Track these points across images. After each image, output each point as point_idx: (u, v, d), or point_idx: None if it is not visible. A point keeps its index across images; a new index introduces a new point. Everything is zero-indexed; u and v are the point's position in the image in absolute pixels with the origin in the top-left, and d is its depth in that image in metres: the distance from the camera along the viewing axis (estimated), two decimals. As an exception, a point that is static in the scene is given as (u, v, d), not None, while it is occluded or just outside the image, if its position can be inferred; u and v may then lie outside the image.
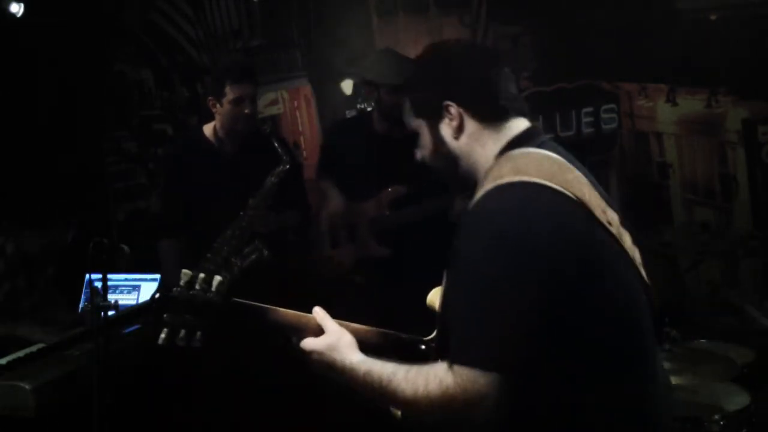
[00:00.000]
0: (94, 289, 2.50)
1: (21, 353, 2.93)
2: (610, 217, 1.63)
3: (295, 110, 5.04)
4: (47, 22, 4.67)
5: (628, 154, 4.40)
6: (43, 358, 2.89)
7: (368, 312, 3.58)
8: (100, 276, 2.52)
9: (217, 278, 1.76)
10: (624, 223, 1.68)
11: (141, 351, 2.98)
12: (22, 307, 3.52)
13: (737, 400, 2.85)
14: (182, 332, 1.73)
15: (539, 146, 1.65)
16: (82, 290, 3.81)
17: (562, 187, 1.56)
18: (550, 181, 1.56)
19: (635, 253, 1.69)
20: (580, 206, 1.56)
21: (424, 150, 1.77)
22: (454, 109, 1.69)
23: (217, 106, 3.51)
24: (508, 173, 1.58)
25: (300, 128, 5.05)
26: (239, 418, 3.34)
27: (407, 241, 3.64)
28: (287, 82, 5.02)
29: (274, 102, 5.02)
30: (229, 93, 3.45)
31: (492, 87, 1.71)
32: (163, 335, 1.74)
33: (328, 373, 1.71)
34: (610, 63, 4.28)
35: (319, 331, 1.75)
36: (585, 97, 4.38)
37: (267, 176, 3.49)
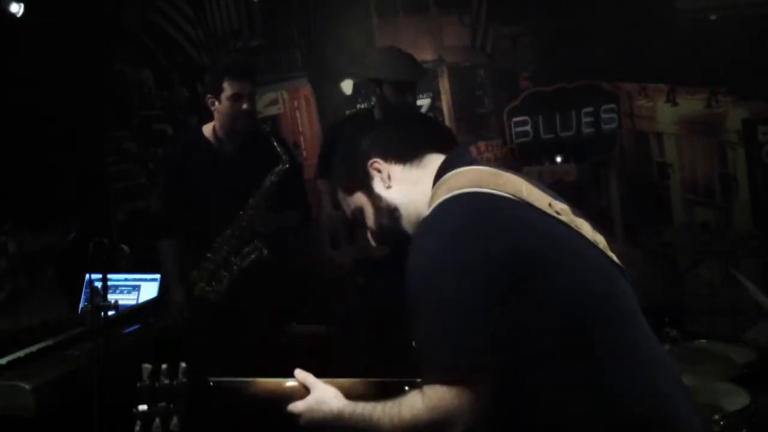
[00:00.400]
0: (94, 289, 2.49)
1: (21, 353, 2.93)
2: (558, 208, 1.66)
3: (295, 110, 5.04)
4: (47, 22, 4.67)
5: (628, 154, 4.40)
6: (43, 358, 2.89)
7: (368, 312, 3.61)
8: (100, 276, 2.52)
9: (182, 365, 1.76)
10: (576, 213, 1.70)
11: (141, 351, 2.98)
12: (23, 305, 3.52)
13: (737, 400, 2.85)
14: (157, 421, 1.73)
15: (468, 164, 1.73)
16: (82, 290, 3.81)
17: (494, 189, 1.61)
18: (484, 187, 1.61)
19: (597, 238, 1.70)
20: (517, 202, 1.61)
21: (369, 220, 1.84)
22: (378, 164, 1.80)
23: (216, 103, 3.51)
24: (443, 194, 1.65)
25: (300, 128, 5.05)
26: (239, 417, 3.34)
27: (408, 241, 3.64)
28: (287, 82, 5.02)
29: (274, 102, 5.03)
30: (227, 89, 3.45)
31: (402, 131, 1.87)
32: (137, 428, 1.74)
33: (321, 428, 1.74)
34: (610, 63, 4.28)
35: (304, 392, 1.78)
36: (585, 97, 4.38)
37: (266, 176, 3.49)
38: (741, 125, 4.09)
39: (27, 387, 2.56)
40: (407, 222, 1.79)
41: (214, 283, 3.48)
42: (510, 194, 1.61)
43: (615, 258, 1.71)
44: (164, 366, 1.75)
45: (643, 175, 4.37)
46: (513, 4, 4.51)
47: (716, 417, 2.72)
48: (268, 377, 1.83)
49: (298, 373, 1.82)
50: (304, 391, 1.78)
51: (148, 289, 4.12)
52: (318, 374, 1.80)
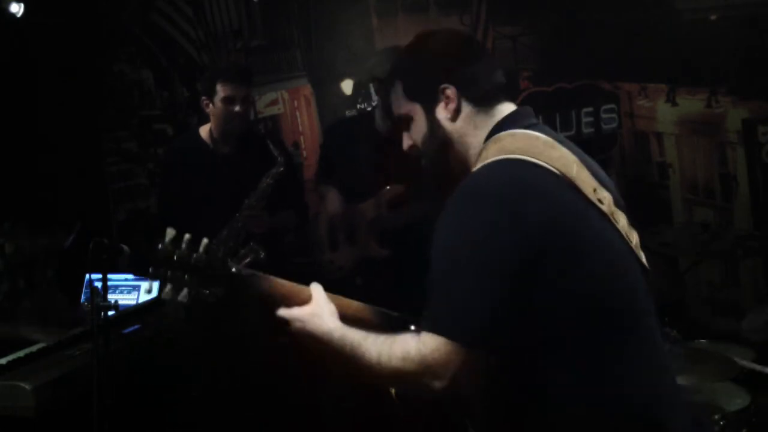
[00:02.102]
0: (94, 289, 2.49)
1: (21, 353, 2.93)
2: (601, 195, 1.63)
3: (295, 110, 5.04)
4: (47, 22, 4.67)
5: (628, 154, 4.40)
6: (43, 358, 2.89)
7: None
8: (100, 276, 2.52)
9: (204, 240, 1.74)
10: (619, 204, 1.68)
11: (141, 351, 2.98)
12: (22, 307, 3.52)
13: (737, 400, 2.86)
14: (168, 287, 1.71)
15: (527, 128, 1.68)
16: (81, 290, 3.81)
17: (546, 162, 1.58)
18: (534, 158, 1.58)
19: (632, 235, 1.68)
20: (564, 181, 1.58)
21: (416, 135, 1.77)
22: (451, 92, 1.71)
23: (210, 106, 3.52)
24: (492, 154, 1.61)
25: (300, 128, 5.05)
26: (239, 417, 3.34)
27: (408, 241, 3.63)
28: (287, 82, 5.02)
29: (274, 102, 5.03)
30: (220, 92, 3.46)
31: (484, 72, 1.75)
32: (148, 287, 1.72)
33: (308, 342, 1.70)
34: (610, 63, 4.28)
35: (308, 302, 1.75)
36: (585, 97, 4.38)
37: (262, 177, 3.49)
38: (741, 125, 4.09)
39: (27, 387, 2.56)
40: (454, 157, 1.74)
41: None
42: (559, 170, 1.58)
43: (643, 258, 1.69)
44: (187, 236, 1.73)
45: (643, 175, 4.37)
46: (513, 4, 4.51)
47: (716, 417, 2.72)
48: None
49: (313, 283, 1.79)
50: (310, 299, 1.75)
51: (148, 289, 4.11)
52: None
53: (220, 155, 3.59)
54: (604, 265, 1.56)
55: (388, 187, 3.70)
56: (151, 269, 1.70)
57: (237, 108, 3.46)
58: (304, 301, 1.74)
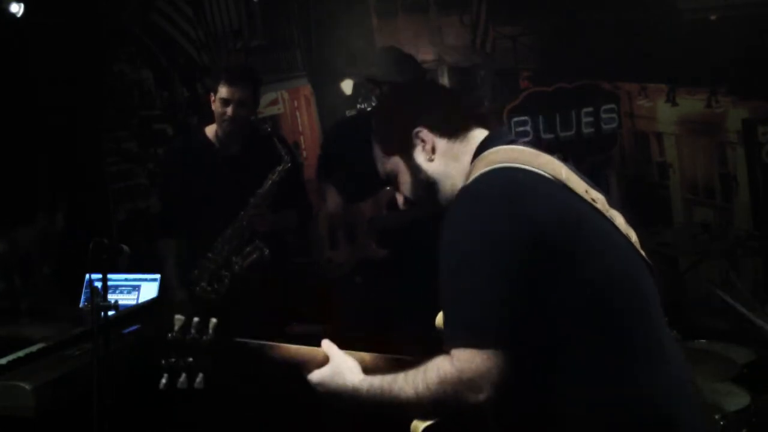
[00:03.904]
0: (94, 289, 2.49)
1: (21, 353, 2.93)
2: (594, 196, 1.66)
3: (295, 110, 5.04)
4: (47, 22, 4.67)
5: (628, 154, 4.40)
6: (43, 358, 2.89)
7: (368, 313, 3.61)
8: (100, 276, 2.52)
9: (213, 321, 1.74)
10: (612, 204, 1.70)
11: (141, 351, 2.98)
12: (20, 305, 3.52)
13: (737, 400, 2.86)
14: (183, 376, 1.72)
15: (508, 143, 1.72)
16: (81, 289, 3.81)
17: (535, 168, 1.61)
18: (523, 164, 1.61)
19: (630, 233, 1.70)
20: (556, 183, 1.60)
21: (404, 187, 1.83)
22: (424, 134, 1.77)
23: (213, 103, 3.53)
24: (482, 168, 1.64)
25: (300, 128, 5.05)
26: (239, 418, 3.34)
27: (407, 241, 3.63)
28: (287, 82, 5.02)
29: (274, 102, 5.03)
30: (220, 91, 3.47)
31: (451, 104, 1.84)
32: (163, 380, 1.73)
33: (337, 401, 1.73)
34: (610, 63, 4.28)
35: (325, 362, 1.77)
36: (585, 97, 4.38)
37: (267, 176, 3.49)
38: (741, 125, 4.09)
39: (27, 387, 2.56)
40: (443, 196, 1.77)
41: (215, 282, 3.49)
42: (550, 174, 1.61)
43: (644, 254, 1.70)
44: (195, 319, 1.74)
45: (643, 175, 4.38)
46: (513, 4, 4.51)
47: (716, 417, 2.72)
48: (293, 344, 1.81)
49: (324, 343, 1.81)
50: (327, 360, 1.77)
51: (148, 289, 4.12)
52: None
53: (225, 154, 3.59)
54: (610, 262, 1.57)
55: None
56: (163, 361, 1.72)
57: (228, 111, 3.46)
58: (321, 361, 1.77)
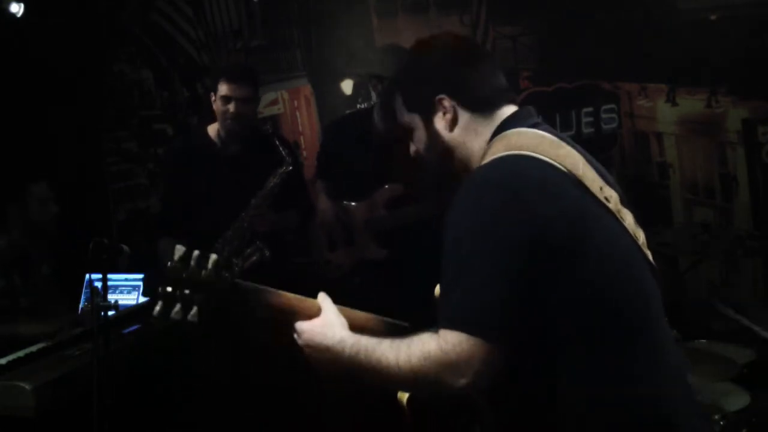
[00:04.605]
0: (94, 289, 2.49)
1: (21, 353, 2.93)
2: (607, 194, 1.63)
3: (295, 110, 5.04)
4: (47, 22, 4.67)
5: (628, 154, 4.40)
6: (43, 358, 2.89)
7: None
8: (100, 276, 2.52)
9: (213, 256, 1.73)
10: (624, 202, 1.69)
11: (141, 351, 2.98)
12: (20, 304, 3.52)
13: (737, 400, 2.86)
14: (177, 306, 1.69)
15: (532, 127, 1.68)
16: (81, 289, 3.81)
17: (552, 159, 1.58)
18: (541, 154, 1.58)
19: (638, 233, 1.68)
20: (571, 178, 1.58)
21: (418, 143, 1.79)
22: (447, 102, 1.72)
23: (214, 103, 3.53)
24: (499, 150, 1.61)
25: (300, 128, 5.05)
26: (239, 418, 3.34)
27: (406, 242, 3.63)
28: (287, 82, 5.02)
29: (274, 102, 5.02)
30: (220, 90, 3.47)
31: (482, 77, 1.75)
32: (158, 308, 1.69)
33: (319, 353, 1.69)
34: (610, 63, 4.28)
35: (317, 315, 1.74)
36: (585, 97, 4.38)
37: (269, 176, 3.49)
38: (741, 125, 4.09)
39: (27, 387, 2.56)
40: (457, 165, 1.74)
41: (214, 283, 3.48)
42: (566, 168, 1.58)
43: (650, 256, 1.69)
44: (196, 252, 1.72)
45: (643, 175, 4.37)
46: (513, 4, 4.51)
47: (716, 417, 2.72)
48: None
49: (321, 295, 1.78)
50: (319, 313, 1.74)
51: (148, 289, 4.11)
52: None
53: (226, 154, 3.59)
54: (613, 263, 1.56)
55: (386, 186, 3.70)
56: (160, 289, 1.69)
57: (231, 108, 3.46)
58: (314, 314, 1.74)
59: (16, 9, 4.34)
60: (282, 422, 3.38)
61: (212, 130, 3.62)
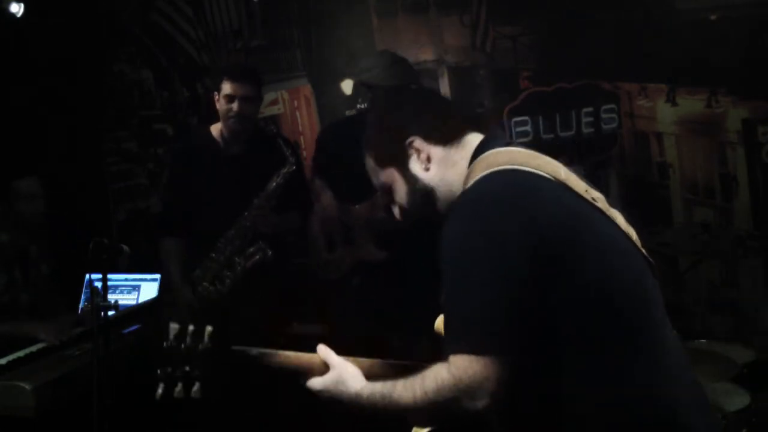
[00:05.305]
0: (94, 289, 2.50)
1: (21, 353, 2.94)
2: (594, 195, 1.65)
3: (295, 110, 5.04)
4: (47, 22, 4.66)
5: (628, 154, 4.40)
6: (43, 358, 2.89)
7: (366, 315, 3.61)
8: (100, 276, 2.52)
9: (209, 328, 1.73)
10: (612, 203, 1.70)
11: (141, 351, 2.98)
12: (20, 302, 3.52)
13: (737, 400, 2.86)
14: (179, 385, 1.71)
15: (505, 145, 1.71)
16: (81, 289, 3.81)
17: (534, 169, 1.60)
18: (522, 166, 1.60)
19: (630, 231, 1.69)
20: (557, 183, 1.60)
21: (400, 198, 1.81)
22: (418, 143, 1.74)
23: (218, 102, 3.53)
24: (481, 171, 1.63)
25: (300, 128, 5.05)
26: (239, 418, 3.34)
27: (406, 243, 3.63)
28: (287, 82, 5.02)
29: (274, 102, 5.02)
30: (224, 89, 3.47)
31: (443, 110, 1.81)
32: (159, 390, 1.71)
33: (338, 406, 1.73)
34: (610, 63, 4.28)
35: (324, 368, 1.77)
36: (585, 97, 4.38)
37: (271, 177, 3.49)
38: (741, 125, 4.09)
39: (27, 387, 2.56)
40: (441, 203, 1.76)
41: (217, 283, 3.49)
42: (549, 174, 1.60)
43: (646, 253, 1.70)
44: (191, 328, 1.72)
45: (643, 175, 4.37)
46: (513, 4, 4.51)
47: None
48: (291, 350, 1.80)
49: (321, 348, 1.80)
50: (326, 367, 1.76)
51: (148, 289, 4.12)
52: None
53: (229, 154, 3.59)
54: (611, 262, 1.56)
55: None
56: (159, 371, 1.70)
57: (235, 106, 3.46)
58: (317, 367, 1.77)
59: (16, 9, 4.34)
60: (282, 422, 3.38)
61: (215, 129, 3.63)
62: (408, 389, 1.58)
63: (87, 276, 3.68)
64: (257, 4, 4.97)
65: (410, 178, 1.77)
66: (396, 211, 1.84)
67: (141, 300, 3.99)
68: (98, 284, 2.51)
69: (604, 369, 1.52)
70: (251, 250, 3.48)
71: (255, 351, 1.77)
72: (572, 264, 1.51)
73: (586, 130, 4.38)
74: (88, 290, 3.69)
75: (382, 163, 1.81)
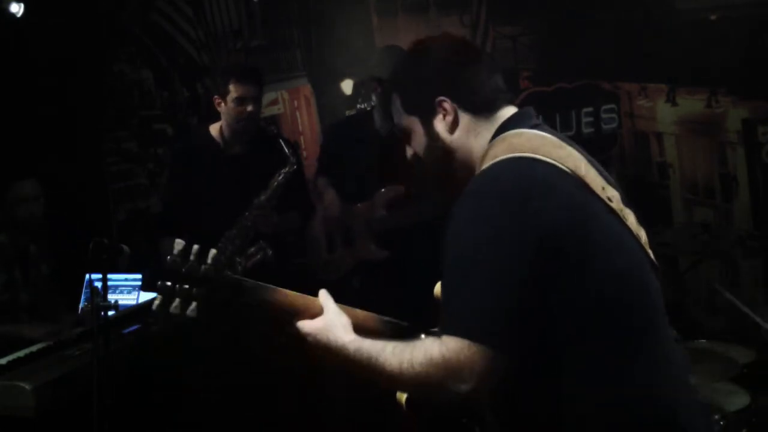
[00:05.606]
0: (94, 289, 2.49)
1: (21, 353, 2.93)
2: (610, 194, 1.63)
3: (295, 110, 5.04)
4: (47, 22, 4.66)
5: (628, 154, 4.40)
6: (43, 358, 2.89)
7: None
8: (100, 276, 2.52)
9: (213, 251, 1.71)
10: (626, 202, 1.69)
11: (141, 351, 2.98)
12: (20, 302, 3.52)
13: (737, 400, 2.86)
14: (176, 301, 1.67)
15: (532, 128, 1.67)
16: (81, 289, 3.80)
17: (554, 160, 1.57)
18: (543, 156, 1.57)
19: (641, 233, 1.68)
20: (574, 179, 1.58)
21: (417, 147, 1.77)
22: (448, 105, 1.70)
23: (222, 105, 3.52)
24: (501, 152, 1.60)
25: (300, 128, 5.05)
26: (238, 417, 3.34)
27: (406, 243, 3.63)
28: (287, 82, 5.02)
29: (274, 102, 5.02)
30: (233, 92, 3.46)
31: (482, 79, 1.74)
32: (156, 302, 1.68)
33: (323, 354, 1.69)
34: (610, 63, 4.28)
35: (319, 313, 1.73)
36: (585, 97, 4.38)
37: (272, 176, 3.49)
38: (741, 125, 4.09)
39: (27, 387, 2.56)
40: (458, 165, 1.73)
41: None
42: (569, 168, 1.58)
43: (652, 255, 1.69)
44: (195, 246, 1.70)
45: (643, 175, 4.37)
46: (513, 4, 4.51)
47: (716, 417, 2.72)
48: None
49: (322, 293, 1.77)
50: (321, 311, 1.73)
51: (148, 289, 4.11)
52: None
53: (230, 154, 3.59)
54: (616, 263, 1.55)
55: (384, 189, 3.69)
56: (159, 283, 1.68)
57: (249, 108, 3.46)
58: (315, 312, 1.73)
59: (16, 9, 4.34)
60: (282, 422, 3.38)
61: (214, 130, 3.63)
62: (396, 355, 1.55)
63: (87, 276, 3.67)
64: (257, 4, 4.97)
65: (432, 134, 1.73)
66: (409, 153, 1.80)
67: (141, 300, 3.98)
68: (98, 284, 2.50)
69: (604, 369, 1.51)
70: (252, 249, 3.48)
71: (253, 282, 1.74)
72: (577, 263, 1.50)
73: (586, 130, 4.38)
74: (88, 290, 3.68)
75: (408, 109, 1.76)
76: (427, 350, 1.51)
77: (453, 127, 1.71)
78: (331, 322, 1.70)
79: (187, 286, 1.68)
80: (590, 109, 4.39)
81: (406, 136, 1.78)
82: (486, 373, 1.46)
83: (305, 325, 1.71)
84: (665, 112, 4.28)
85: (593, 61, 4.29)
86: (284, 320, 1.74)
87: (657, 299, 1.63)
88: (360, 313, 1.79)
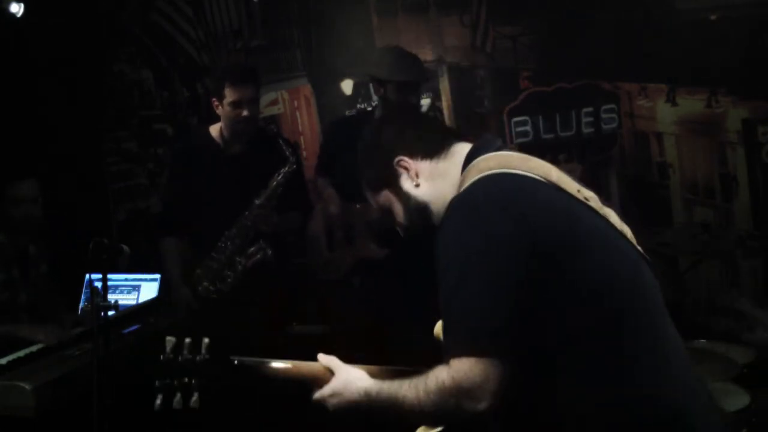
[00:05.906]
0: (94, 289, 2.49)
1: (21, 353, 2.93)
2: (586, 194, 1.66)
3: (295, 110, 5.04)
4: (47, 22, 4.66)
5: (628, 154, 4.40)
6: (43, 358, 2.89)
7: (366, 315, 3.61)
8: (100, 276, 2.52)
9: (206, 340, 1.74)
10: (603, 202, 1.71)
11: (141, 351, 2.98)
12: (20, 301, 3.52)
13: (737, 400, 2.86)
14: (178, 396, 1.71)
15: (497, 150, 1.73)
16: (81, 289, 3.81)
17: (526, 171, 1.62)
18: (514, 169, 1.62)
19: (625, 229, 1.70)
20: (549, 185, 1.61)
21: (398, 215, 1.84)
22: (405, 161, 1.78)
23: (220, 107, 3.52)
24: (472, 176, 1.64)
25: (300, 128, 5.05)
26: (239, 417, 3.34)
27: (407, 242, 3.62)
28: (287, 82, 5.02)
29: (274, 102, 5.02)
30: (228, 95, 3.45)
31: (423, 126, 1.87)
32: (158, 401, 1.72)
33: (348, 409, 1.73)
34: (610, 63, 4.28)
35: (327, 375, 1.77)
36: (585, 97, 4.38)
37: (272, 176, 3.48)
38: (741, 125, 4.09)
39: (27, 387, 2.56)
40: (438, 215, 1.77)
41: (217, 282, 3.49)
42: (541, 176, 1.61)
43: (641, 249, 1.70)
44: (187, 340, 1.73)
45: (643, 175, 4.37)
46: (513, 4, 4.51)
47: (716, 417, 2.71)
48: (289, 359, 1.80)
49: (322, 357, 1.81)
50: (329, 374, 1.77)
51: (148, 289, 4.12)
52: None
53: (230, 154, 3.59)
54: (607, 262, 1.57)
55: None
56: (157, 382, 1.71)
57: (245, 112, 3.45)
58: (320, 376, 1.77)
59: (16, 9, 4.33)
60: (282, 422, 3.38)
61: (214, 130, 3.62)
62: (412, 389, 1.59)
63: (87, 276, 3.68)
64: (257, 4, 4.97)
65: (404, 196, 1.81)
66: (401, 230, 1.88)
67: (141, 300, 3.99)
68: (98, 284, 2.50)
69: (603, 369, 1.51)
70: (252, 249, 3.49)
71: (253, 361, 1.77)
72: (568, 263, 1.51)
73: (586, 130, 4.38)
74: (88, 290, 3.69)
75: (377, 187, 1.85)
76: (437, 377, 1.54)
77: (417, 179, 1.78)
78: (347, 377, 1.75)
79: (186, 380, 1.72)
80: (590, 109, 4.39)
81: (387, 211, 1.86)
82: (498, 386, 1.48)
83: (324, 391, 1.76)
84: (665, 112, 4.28)
85: (593, 61, 4.29)
86: (293, 389, 1.79)
87: (655, 296, 1.64)
88: (369, 367, 1.82)
